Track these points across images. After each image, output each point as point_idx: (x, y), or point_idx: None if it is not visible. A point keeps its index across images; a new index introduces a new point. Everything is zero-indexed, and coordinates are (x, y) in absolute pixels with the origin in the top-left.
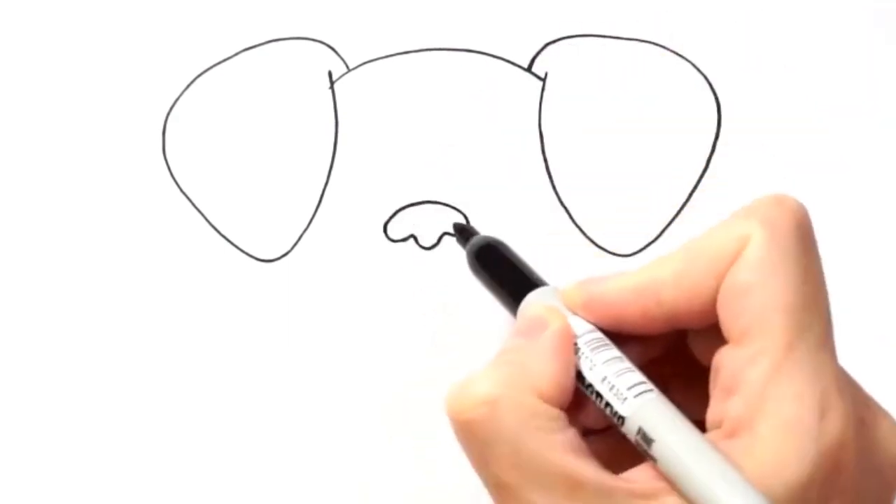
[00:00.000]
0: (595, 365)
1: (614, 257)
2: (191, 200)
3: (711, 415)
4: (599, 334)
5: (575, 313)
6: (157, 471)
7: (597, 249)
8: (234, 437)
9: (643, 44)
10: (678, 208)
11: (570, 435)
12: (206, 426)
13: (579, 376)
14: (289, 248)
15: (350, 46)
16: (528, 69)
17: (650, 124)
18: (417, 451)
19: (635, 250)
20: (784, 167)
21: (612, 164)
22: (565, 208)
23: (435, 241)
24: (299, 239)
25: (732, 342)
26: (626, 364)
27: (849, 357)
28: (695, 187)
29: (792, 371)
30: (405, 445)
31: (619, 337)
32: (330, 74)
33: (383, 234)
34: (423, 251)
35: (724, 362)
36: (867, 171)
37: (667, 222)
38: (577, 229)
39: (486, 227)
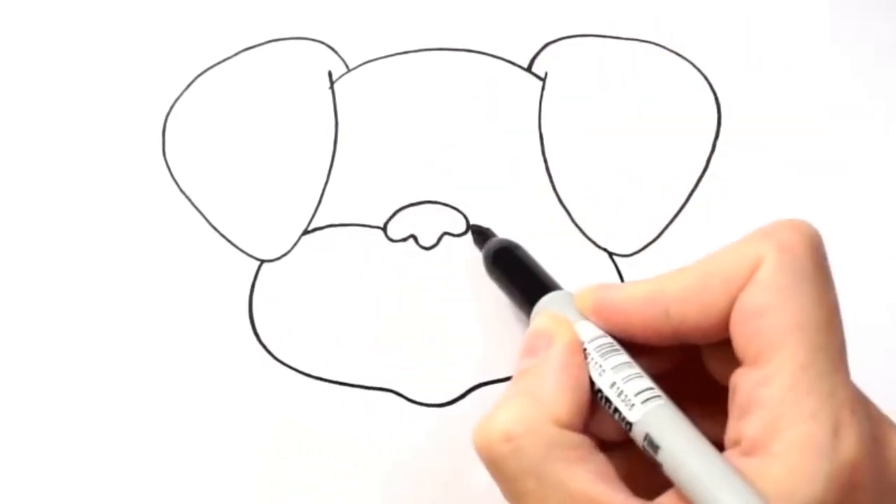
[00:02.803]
0: (604, 370)
1: (614, 257)
2: (191, 200)
3: (729, 434)
4: (609, 339)
5: (586, 318)
6: (155, 471)
7: (597, 249)
8: (232, 437)
9: (643, 44)
10: (678, 208)
11: (597, 462)
12: (206, 426)
13: (590, 382)
14: (289, 248)
15: (350, 46)
16: (528, 69)
17: (650, 124)
18: (415, 453)
19: (635, 250)
20: (784, 167)
21: (612, 164)
22: (565, 208)
23: (435, 241)
24: (299, 239)
25: (747, 363)
26: (635, 370)
27: (848, 356)
28: (695, 187)
29: (806, 391)
30: (403, 445)
31: (632, 347)
32: (330, 74)
33: (383, 234)
34: (423, 251)
35: (740, 383)
36: (867, 171)
37: (667, 222)
38: (577, 229)
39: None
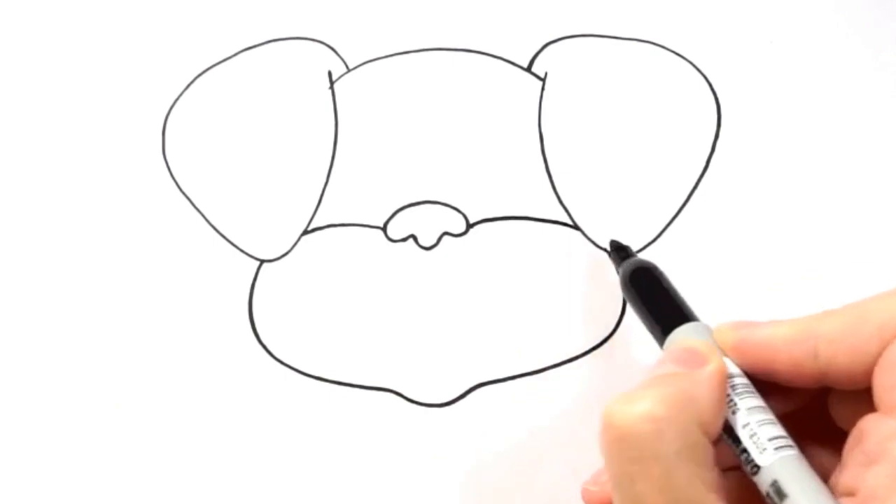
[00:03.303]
0: (738, 409)
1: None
2: (191, 200)
3: (846, 480)
4: (746, 380)
5: (725, 354)
6: (156, 471)
7: (597, 250)
8: (231, 438)
9: (643, 44)
10: (678, 208)
11: (716, 474)
12: (205, 425)
13: None
14: (289, 248)
15: (350, 46)
16: (528, 69)
17: (650, 124)
18: (415, 453)
19: (635, 250)
20: (784, 167)
21: (612, 164)
22: (565, 208)
23: (435, 241)
24: (299, 239)
25: (883, 410)
26: (769, 416)
27: None
28: (695, 187)
29: None
30: (403, 445)
31: (763, 385)
32: (330, 74)
33: (383, 234)
34: (423, 251)
35: (871, 430)
36: (867, 171)
37: (667, 222)
38: (577, 229)
39: (485, 228)
